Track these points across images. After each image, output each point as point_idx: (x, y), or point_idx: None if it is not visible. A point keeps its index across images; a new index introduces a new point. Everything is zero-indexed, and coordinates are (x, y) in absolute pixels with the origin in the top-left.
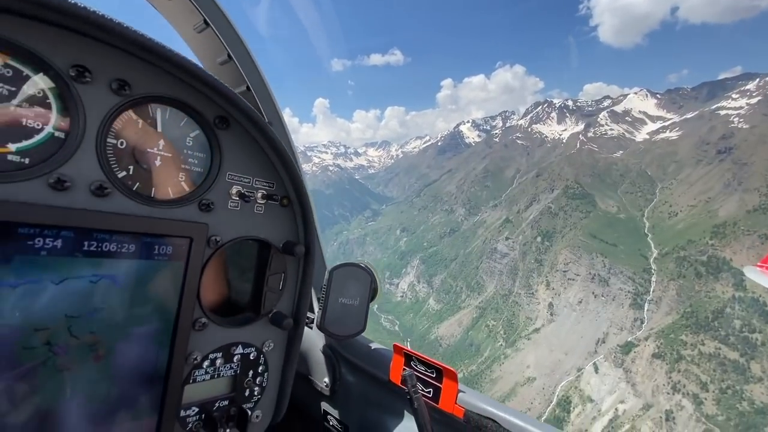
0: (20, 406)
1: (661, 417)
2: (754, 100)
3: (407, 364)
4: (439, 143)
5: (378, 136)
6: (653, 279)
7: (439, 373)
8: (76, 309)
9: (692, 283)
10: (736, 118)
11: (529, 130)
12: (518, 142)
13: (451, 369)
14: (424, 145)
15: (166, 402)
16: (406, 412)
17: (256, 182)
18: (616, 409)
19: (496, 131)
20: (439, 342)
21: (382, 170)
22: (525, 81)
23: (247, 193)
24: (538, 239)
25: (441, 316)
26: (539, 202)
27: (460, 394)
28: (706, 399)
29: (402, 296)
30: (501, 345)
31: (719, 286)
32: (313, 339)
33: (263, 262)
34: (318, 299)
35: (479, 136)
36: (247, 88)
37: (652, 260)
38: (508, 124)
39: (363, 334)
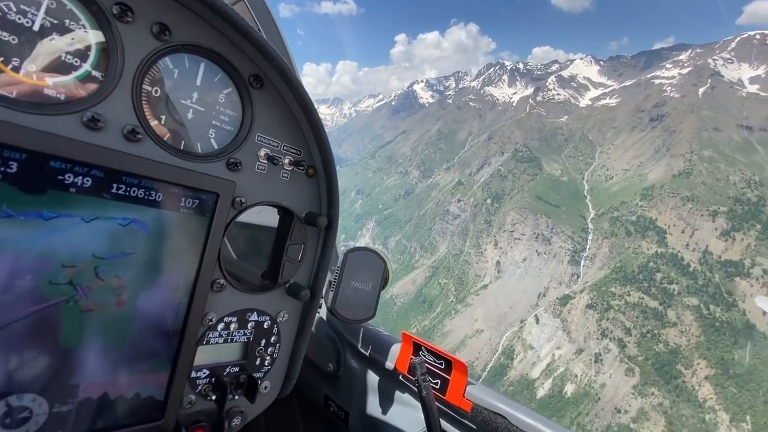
0: (41, 341)
1: (590, 359)
2: (685, 71)
3: (415, 353)
4: (393, 103)
5: (330, 92)
6: (590, 237)
7: (448, 364)
8: (105, 250)
9: (623, 241)
10: (669, 87)
11: (482, 92)
12: (471, 104)
13: (461, 361)
14: (378, 104)
15: (179, 359)
16: (410, 402)
17: (285, 147)
18: (553, 354)
19: (450, 92)
20: (393, 300)
21: (335, 129)
22: (478, 41)
23: (276, 157)
24: (488, 201)
25: (396, 276)
26: (490, 165)
27: (468, 387)
28: (629, 342)
29: None
30: (452, 301)
31: (645, 243)
32: (321, 321)
33: (284, 231)
34: (329, 282)
35: (433, 96)
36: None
37: (589, 220)
38: (461, 86)
39: (371, 321)
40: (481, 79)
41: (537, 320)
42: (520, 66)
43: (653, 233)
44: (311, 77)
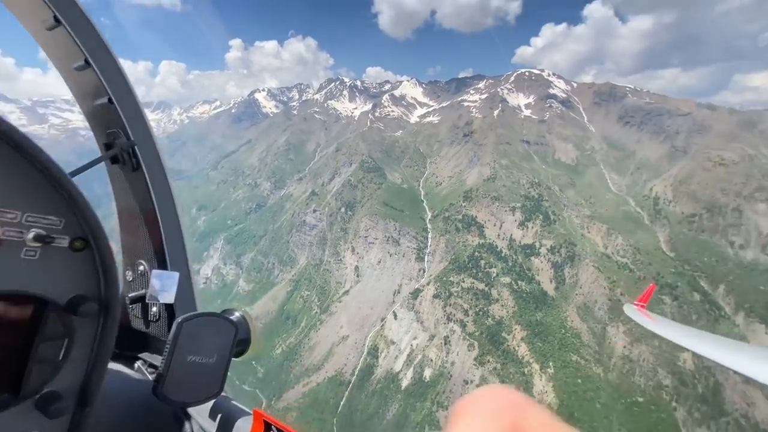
0: None
1: (441, 342)
2: (483, 96)
3: None
4: (233, 110)
5: (153, 94)
6: (429, 236)
7: None
8: None
9: (454, 237)
10: (474, 109)
11: (325, 105)
12: (316, 116)
13: None
14: (215, 111)
15: None
16: None
17: (28, 218)
18: (411, 345)
19: (294, 103)
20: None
21: (163, 137)
22: (318, 55)
23: (12, 232)
24: (342, 209)
25: (254, 296)
26: (341, 175)
27: None
28: (467, 322)
29: (206, 283)
30: (316, 313)
31: (470, 237)
32: (155, 406)
33: (32, 325)
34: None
35: (276, 106)
36: (109, 100)
37: (428, 221)
38: (304, 98)
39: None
40: (323, 92)
41: (395, 316)
42: (358, 83)
43: (475, 228)
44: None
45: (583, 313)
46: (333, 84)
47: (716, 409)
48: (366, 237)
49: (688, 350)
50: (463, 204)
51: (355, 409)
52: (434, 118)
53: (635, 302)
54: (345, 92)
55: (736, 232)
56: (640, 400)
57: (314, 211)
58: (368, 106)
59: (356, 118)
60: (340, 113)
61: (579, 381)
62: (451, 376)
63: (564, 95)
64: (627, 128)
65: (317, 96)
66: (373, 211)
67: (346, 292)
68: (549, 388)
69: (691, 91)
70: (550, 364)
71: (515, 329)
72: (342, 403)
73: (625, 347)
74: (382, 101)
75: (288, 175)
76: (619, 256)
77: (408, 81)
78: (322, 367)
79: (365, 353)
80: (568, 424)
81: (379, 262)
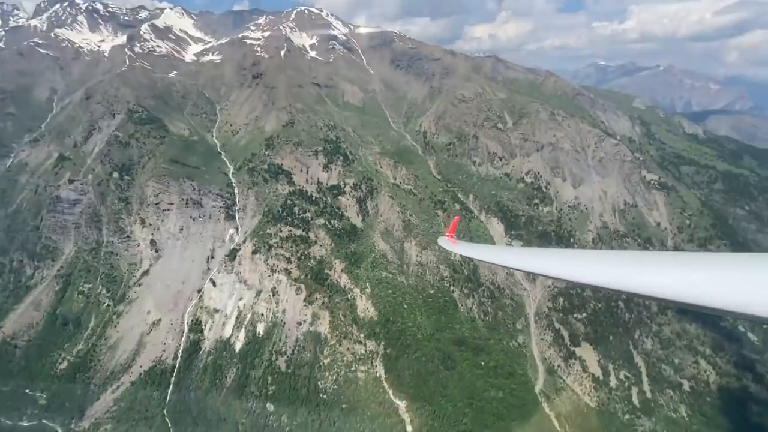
0: None
1: (269, 296)
2: (266, 34)
3: None
4: None
5: None
6: (236, 191)
7: None
8: None
9: (263, 188)
10: (259, 48)
11: (53, 36)
12: (40, 51)
13: None
14: None
15: None
16: None
17: None
18: (238, 307)
19: None
20: (12, 344)
21: None
22: None
23: None
24: (115, 175)
25: (2, 312)
26: (100, 131)
27: None
28: (291, 269)
29: None
30: (108, 306)
31: (279, 186)
32: None
33: None
34: None
35: None
36: None
37: (231, 175)
38: (12, 24)
39: None
40: (45, 17)
41: (214, 283)
42: (99, 6)
43: (283, 176)
44: None
45: (386, 236)
46: (59, 6)
47: (475, 283)
48: (158, 204)
49: (489, 263)
50: (267, 153)
51: (188, 391)
52: (215, 57)
53: (445, 234)
54: (81, 18)
55: (476, 154)
56: (432, 291)
57: (70, 181)
58: (122, 39)
59: (106, 55)
60: (81, 47)
61: (390, 291)
62: (284, 323)
63: (344, 37)
64: (398, 71)
65: (35, 22)
66: (160, 172)
67: (146, 273)
68: (369, 304)
69: (438, 39)
70: (367, 284)
71: (335, 263)
72: (170, 391)
73: (417, 256)
74: (141, 33)
75: (13, 137)
76: (405, 185)
77: (171, 9)
78: (134, 363)
79: (186, 331)
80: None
81: (182, 229)
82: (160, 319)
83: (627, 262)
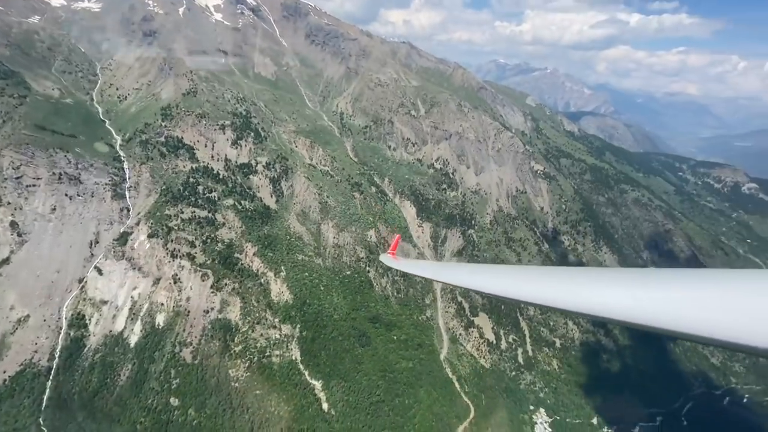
0: None
1: (170, 283)
2: None
3: None
4: None
5: None
6: (125, 166)
7: None
8: None
9: (160, 164)
10: (151, 2)
11: None
12: None
13: None
14: None
15: None
16: None
17: None
18: (131, 297)
19: None
20: None
21: None
22: None
23: None
24: None
25: None
26: None
27: None
28: (196, 253)
29: None
30: None
31: (180, 162)
32: None
33: None
34: None
35: None
36: None
37: (118, 147)
38: None
39: None
40: None
41: (99, 272)
42: None
43: (184, 151)
44: None
45: (302, 218)
46: None
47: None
48: (19, 179)
49: (430, 279)
50: (164, 123)
51: (71, 395)
52: (92, 5)
53: (388, 252)
54: None
55: (391, 139)
56: (348, 273)
57: None
58: None
59: None
60: None
61: (306, 274)
62: (188, 312)
63: (254, 2)
64: (314, 47)
65: None
66: (21, 140)
67: (6, 261)
68: (284, 288)
69: (354, 18)
70: (282, 268)
71: (246, 247)
72: (46, 396)
73: (334, 237)
74: None
75: None
76: (321, 166)
77: None
78: None
79: (65, 327)
80: None
81: (54, 209)
82: (28, 316)
83: (568, 279)
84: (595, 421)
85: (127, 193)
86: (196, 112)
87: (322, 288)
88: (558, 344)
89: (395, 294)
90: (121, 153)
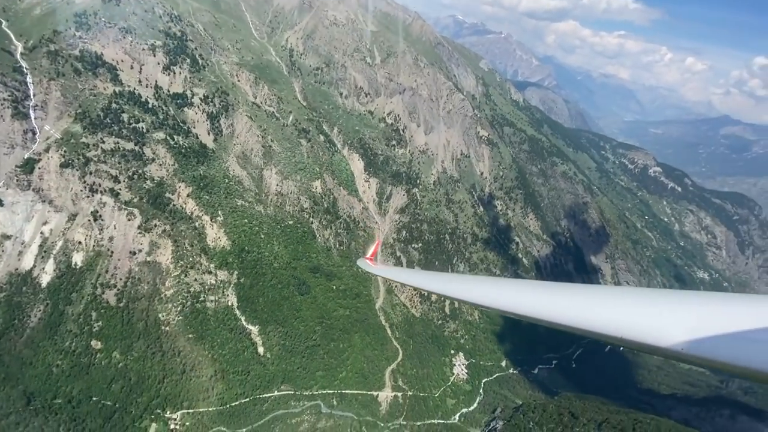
0: None
1: (88, 220)
2: None
3: None
4: None
5: None
6: (29, 80)
7: None
8: None
9: (74, 82)
10: None
11: None
12: None
13: None
14: None
15: None
16: None
17: None
18: (41, 233)
19: None
20: None
21: None
22: None
23: None
24: None
25: None
26: None
27: None
28: (120, 189)
29: None
30: None
31: (100, 82)
32: None
33: None
34: None
35: None
36: None
37: (19, 56)
38: None
39: None
40: None
41: (0, 202)
42: None
43: (104, 70)
44: None
45: (242, 161)
46: None
47: (333, 216)
48: None
49: (411, 287)
50: (78, 34)
51: None
52: None
53: (366, 257)
54: None
55: (343, 85)
56: (291, 222)
57: None
58: None
59: None
60: None
61: (246, 221)
62: (112, 252)
63: None
64: None
65: None
66: None
67: None
68: (221, 233)
69: None
70: (219, 212)
71: (179, 187)
72: None
73: (277, 185)
74: None
75: None
76: (266, 105)
77: None
78: None
79: None
80: None
81: None
82: None
83: (548, 292)
84: (504, 363)
85: (32, 112)
86: (120, 25)
87: (262, 236)
88: None
89: (337, 246)
90: (23, 63)
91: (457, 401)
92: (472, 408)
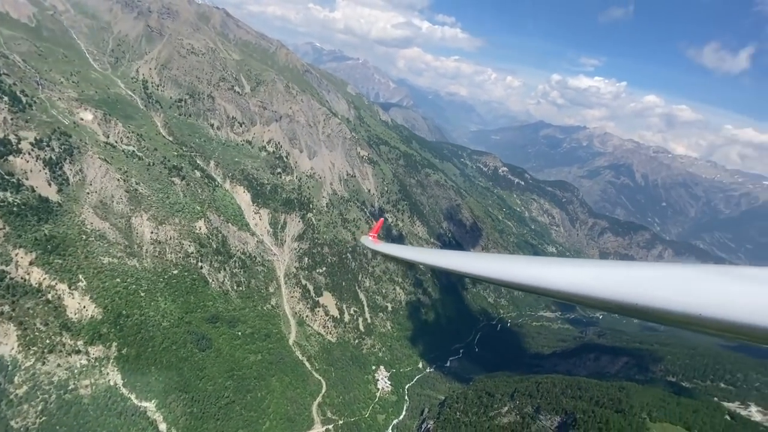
0: None
1: None
2: None
3: None
4: None
5: None
6: None
7: None
8: None
9: None
10: None
11: None
12: None
13: None
14: None
15: None
16: None
17: None
18: None
19: None
20: None
21: None
22: None
23: None
24: None
25: None
26: None
27: None
28: None
29: None
30: None
31: None
32: None
33: None
34: None
35: None
36: None
37: None
38: None
39: None
40: None
41: None
42: None
43: None
44: None
45: (102, 211)
46: None
47: (225, 256)
48: None
49: (413, 263)
50: None
51: None
52: None
53: (369, 234)
54: None
55: (213, 116)
56: (176, 272)
57: None
58: None
59: None
60: None
61: (118, 281)
62: None
63: None
64: None
65: None
66: None
67: None
68: (86, 301)
69: None
70: (80, 277)
71: (16, 254)
72: None
73: (152, 232)
74: None
75: None
76: (124, 145)
77: None
78: None
79: None
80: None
81: None
82: None
83: (545, 265)
84: (420, 365)
85: None
86: None
87: (142, 294)
88: (390, 308)
89: (235, 287)
90: None
91: (387, 414)
92: (402, 417)
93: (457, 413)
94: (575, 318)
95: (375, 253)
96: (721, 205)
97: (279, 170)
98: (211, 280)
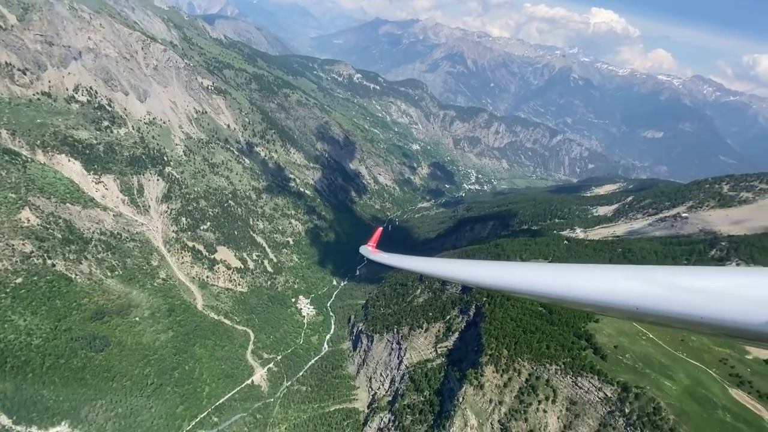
0: None
1: None
2: None
3: None
4: None
5: None
6: None
7: None
8: None
9: None
10: None
11: None
12: None
13: None
14: None
15: None
16: None
17: None
18: None
19: None
20: None
21: None
22: None
23: None
24: None
25: None
26: None
27: None
28: None
29: None
30: None
31: None
32: None
33: None
34: None
35: None
36: None
37: None
38: None
39: None
40: None
41: None
42: None
43: None
44: None
45: None
46: None
47: (80, 243)
48: None
49: (413, 272)
50: None
51: None
52: None
53: (368, 244)
54: None
55: None
56: (19, 280)
57: None
58: None
59: None
60: None
61: None
62: None
63: None
64: None
65: None
66: None
67: None
68: None
69: None
70: None
71: None
72: None
73: None
74: None
75: None
76: None
77: None
78: None
79: None
80: None
81: None
82: None
83: (544, 272)
84: (334, 282)
85: None
86: None
87: None
88: (291, 242)
89: (109, 274)
90: None
91: (319, 334)
92: (332, 330)
93: (381, 309)
94: (445, 201)
95: (374, 262)
96: (531, 78)
97: (106, 124)
98: (73, 276)
